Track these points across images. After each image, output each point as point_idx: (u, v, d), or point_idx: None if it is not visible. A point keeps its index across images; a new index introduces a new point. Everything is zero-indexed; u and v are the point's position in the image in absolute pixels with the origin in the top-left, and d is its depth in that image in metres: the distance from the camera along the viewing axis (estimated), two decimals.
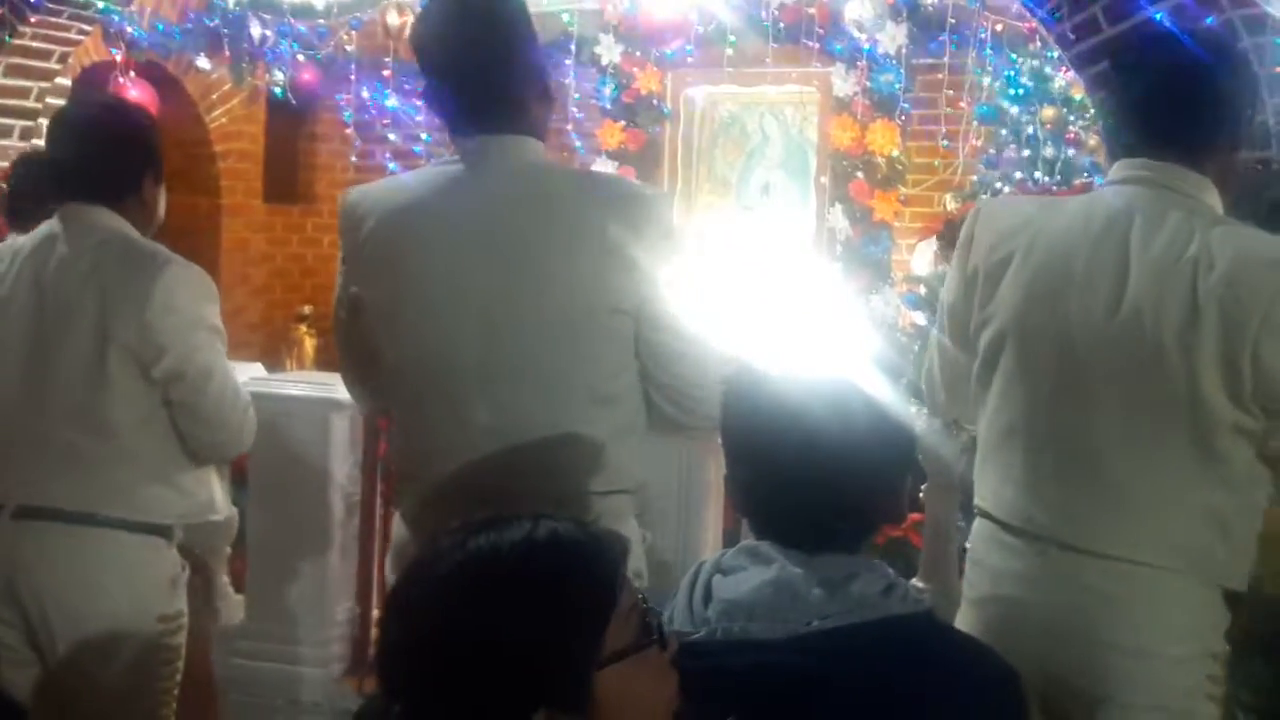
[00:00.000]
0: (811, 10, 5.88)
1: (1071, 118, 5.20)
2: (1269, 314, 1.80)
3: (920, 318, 5.21)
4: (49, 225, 2.52)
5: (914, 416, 1.92)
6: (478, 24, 2.00)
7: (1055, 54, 4.70)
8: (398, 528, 2.15)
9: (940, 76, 5.76)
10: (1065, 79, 5.14)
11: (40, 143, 3.80)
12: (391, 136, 6.74)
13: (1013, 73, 5.30)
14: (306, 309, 7.30)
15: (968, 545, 2.11)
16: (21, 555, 2.41)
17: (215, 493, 2.60)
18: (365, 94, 6.51)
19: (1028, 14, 3.66)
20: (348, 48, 6.43)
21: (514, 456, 1.96)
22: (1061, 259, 1.94)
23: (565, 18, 6.41)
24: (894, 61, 5.87)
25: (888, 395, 1.59)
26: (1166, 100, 1.95)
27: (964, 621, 2.01)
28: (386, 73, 6.50)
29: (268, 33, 6.30)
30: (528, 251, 1.95)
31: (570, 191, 2.03)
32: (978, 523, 2.07)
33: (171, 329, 2.40)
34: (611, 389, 1.99)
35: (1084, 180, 4.98)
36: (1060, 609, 1.92)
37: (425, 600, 1.25)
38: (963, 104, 5.68)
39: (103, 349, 2.38)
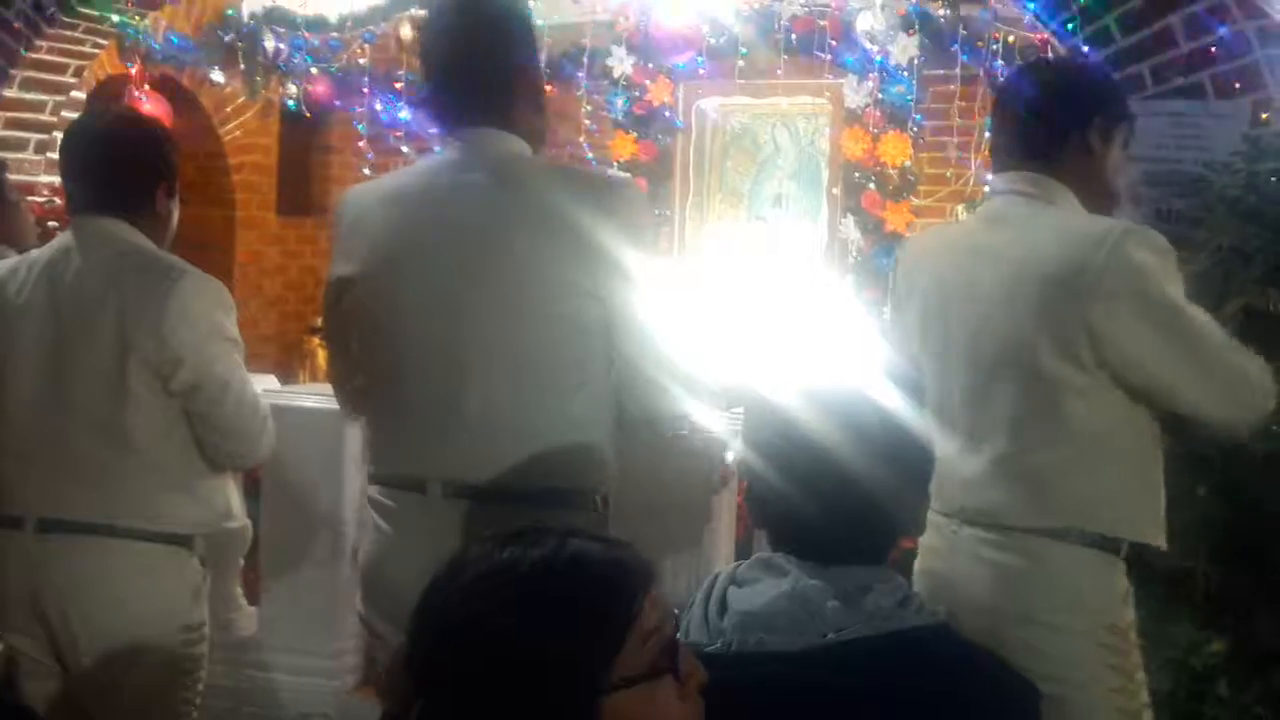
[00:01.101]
0: (823, 22, 5.87)
1: None
2: (1094, 286, 2.00)
3: None
4: (64, 237, 2.53)
5: (930, 428, 1.91)
6: (466, 24, 2.08)
7: None
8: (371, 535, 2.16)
9: (952, 88, 5.74)
10: None
11: (55, 155, 3.81)
12: (405, 149, 6.75)
13: None
14: (320, 321, 7.29)
15: None
16: (45, 568, 2.41)
17: (232, 499, 2.61)
18: (378, 107, 6.53)
19: (1040, 26, 3.65)
20: (361, 61, 6.45)
21: (483, 448, 1.98)
22: (943, 279, 2.22)
23: (578, 30, 6.42)
24: (906, 73, 5.85)
25: (903, 407, 1.59)
26: (1015, 123, 2.24)
27: None
28: (400, 85, 6.52)
29: (282, 46, 6.34)
30: (492, 235, 1.98)
31: (539, 178, 2.05)
32: None
33: (188, 340, 2.41)
34: (577, 377, 2.00)
35: None
36: (962, 580, 2.12)
37: (444, 604, 1.26)
38: (975, 115, 5.67)
39: (122, 361, 2.39)
